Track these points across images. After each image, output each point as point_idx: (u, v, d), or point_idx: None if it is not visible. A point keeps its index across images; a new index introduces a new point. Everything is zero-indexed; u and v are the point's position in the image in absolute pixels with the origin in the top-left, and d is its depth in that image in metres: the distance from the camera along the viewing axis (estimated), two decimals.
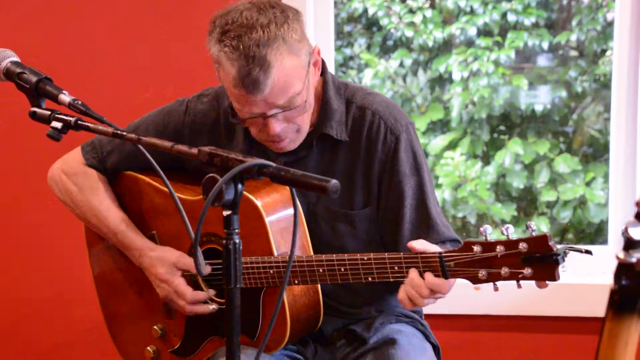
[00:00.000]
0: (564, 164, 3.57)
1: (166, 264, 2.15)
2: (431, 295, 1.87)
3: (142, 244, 2.19)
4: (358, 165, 2.09)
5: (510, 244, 1.76)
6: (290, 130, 2.00)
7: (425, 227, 2.08)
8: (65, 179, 2.27)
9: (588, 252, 1.79)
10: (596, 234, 3.57)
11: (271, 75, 1.88)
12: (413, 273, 1.87)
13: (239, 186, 1.44)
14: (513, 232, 1.77)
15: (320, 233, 2.10)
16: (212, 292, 2.15)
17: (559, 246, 1.75)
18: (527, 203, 3.70)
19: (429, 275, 1.85)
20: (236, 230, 1.46)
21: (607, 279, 2.85)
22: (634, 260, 1.03)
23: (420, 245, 1.89)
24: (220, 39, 1.91)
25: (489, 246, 1.78)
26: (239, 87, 1.91)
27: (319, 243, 2.08)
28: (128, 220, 2.23)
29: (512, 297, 2.88)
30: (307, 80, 1.97)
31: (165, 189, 2.17)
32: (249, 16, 1.90)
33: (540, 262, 1.74)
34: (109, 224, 2.22)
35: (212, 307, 2.13)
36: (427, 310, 2.32)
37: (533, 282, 1.78)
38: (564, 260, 1.73)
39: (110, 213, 2.22)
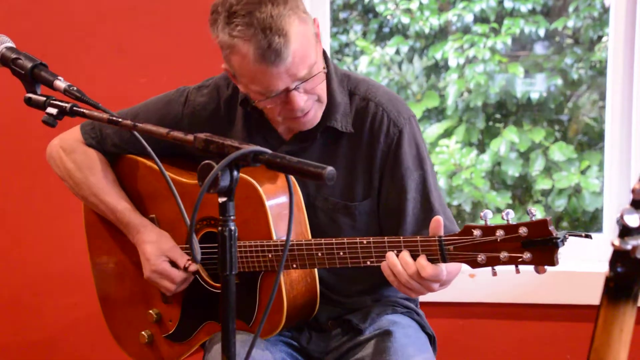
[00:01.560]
0: (559, 152, 3.58)
1: (156, 247, 2.15)
2: (418, 278, 1.84)
3: (140, 222, 2.19)
4: (359, 157, 2.09)
5: (510, 229, 1.76)
6: (312, 101, 2.00)
7: (429, 221, 2.08)
8: (64, 156, 2.26)
9: (588, 236, 1.79)
10: (591, 222, 3.58)
11: (291, 43, 1.88)
12: (405, 253, 1.86)
13: (235, 173, 1.44)
14: (513, 217, 1.77)
15: (319, 224, 2.10)
16: (194, 266, 2.14)
17: (558, 232, 1.75)
18: (522, 191, 3.71)
19: (421, 257, 1.84)
20: (232, 217, 1.46)
21: (602, 267, 2.85)
22: (629, 247, 1.03)
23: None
24: (228, 21, 1.90)
25: (488, 230, 1.78)
26: (259, 61, 1.89)
27: (317, 234, 2.07)
28: (127, 198, 2.23)
29: (508, 284, 2.89)
30: (317, 49, 1.97)
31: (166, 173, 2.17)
32: None
33: (539, 246, 1.74)
34: (107, 202, 2.22)
35: (193, 267, 2.14)
36: (422, 298, 2.33)
37: (532, 268, 1.78)
38: (563, 245, 1.73)
39: (109, 191, 2.22)
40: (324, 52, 2.09)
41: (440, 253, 1.83)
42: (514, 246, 1.76)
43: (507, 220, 1.77)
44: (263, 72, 1.91)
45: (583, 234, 1.79)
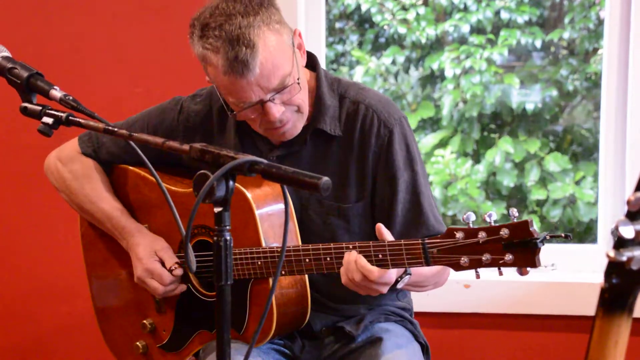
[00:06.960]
0: (554, 162, 3.59)
1: (148, 248, 2.15)
2: (363, 280, 1.87)
3: (136, 227, 2.20)
4: (352, 160, 2.10)
5: (492, 230, 1.76)
6: (290, 112, 2.01)
7: (417, 222, 2.09)
8: (61, 167, 2.27)
9: (567, 236, 1.79)
10: (585, 232, 3.58)
11: (258, 53, 1.90)
12: (349, 255, 1.88)
13: (231, 183, 1.43)
14: (495, 219, 1.78)
15: (312, 226, 2.11)
16: (179, 271, 2.14)
17: (539, 233, 1.75)
18: (517, 201, 3.72)
19: (360, 259, 1.86)
20: (227, 227, 1.46)
21: (597, 278, 2.85)
22: (624, 258, 1.03)
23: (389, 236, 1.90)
24: (201, 34, 1.93)
25: (471, 232, 1.78)
26: (228, 73, 1.91)
27: (310, 235, 2.08)
28: (122, 207, 2.23)
29: (503, 295, 2.89)
30: (294, 60, 1.98)
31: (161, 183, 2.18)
32: (225, 7, 1.93)
33: (521, 247, 1.74)
34: (103, 209, 2.22)
35: (178, 272, 2.13)
36: (416, 308, 2.33)
37: (514, 271, 1.78)
38: (543, 244, 1.73)
39: (105, 198, 2.23)
40: (314, 57, 2.12)
41: (424, 256, 1.84)
42: (496, 248, 1.76)
43: (490, 222, 1.77)
44: (233, 83, 1.93)
45: (563, 234, 1.79)
